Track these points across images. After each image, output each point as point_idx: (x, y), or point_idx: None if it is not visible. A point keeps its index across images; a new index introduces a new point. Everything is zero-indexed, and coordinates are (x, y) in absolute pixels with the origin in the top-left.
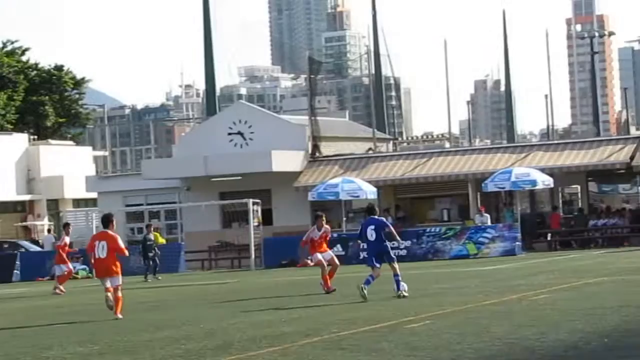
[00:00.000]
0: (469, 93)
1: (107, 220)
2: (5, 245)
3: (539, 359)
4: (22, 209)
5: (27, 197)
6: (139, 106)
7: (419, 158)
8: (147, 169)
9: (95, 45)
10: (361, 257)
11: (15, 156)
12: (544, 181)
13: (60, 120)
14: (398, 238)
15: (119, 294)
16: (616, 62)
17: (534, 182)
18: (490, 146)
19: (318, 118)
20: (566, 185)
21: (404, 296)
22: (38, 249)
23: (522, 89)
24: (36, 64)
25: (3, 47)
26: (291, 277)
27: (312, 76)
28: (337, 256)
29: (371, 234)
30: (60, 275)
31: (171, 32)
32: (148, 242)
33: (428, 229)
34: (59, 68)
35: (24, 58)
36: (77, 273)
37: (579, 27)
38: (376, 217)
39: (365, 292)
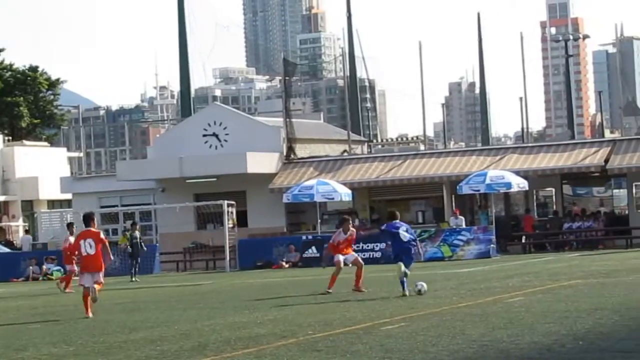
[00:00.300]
0: (444, 95)
1: (88, 219)
2: None
3: None
4: None
5: (1, 198)
6: (114, 107)
7: (393, 160)
8: (122, 170)
9: (70, 46)
10: (336, 259)
11: None
12: (519, 184)
13: (35, 121)
14: (420, 247)
15: (97, 293)
16: (591, 66)
17: (508, 185)
18: (465, 149)
19: (293, 120)
20: (541, 188)
21: (405, 294)
22: (7, 250)
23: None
24: (11, 65)
25: None
26: (266, 278)
27: (287, 78)
28: (311, 258)
29: (404, 235)
30: (66, 275)
31: (146, 34)
32: (134, 241)
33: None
34: (33, 69)
35: None
36: (51, 274)
37: (553, 30)
38: (399, 222)
39: (409, 286)
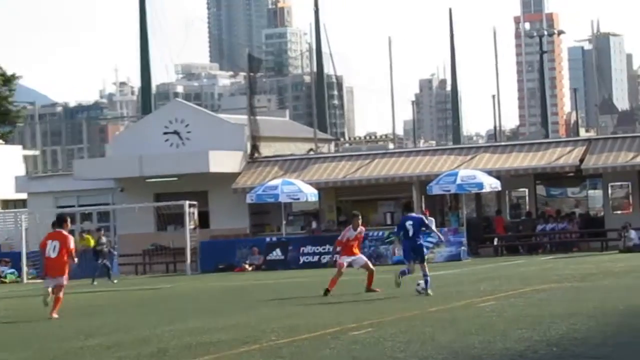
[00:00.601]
0: (414, 93)
1: (61, 220)
2: None
3: None
4: None
5: None
6: (71, 104)
7: (361, 159)
8: (80, 169)
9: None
10: (301, 262)
11: None
12: (491, 184)
13: None
14: (437, 232)
15: (61, 294)
16: (566, 62)
17: (480, 185)
18: (436, 147)
19: (257, 117)
20: (513, 189)
21: (428, 294)
22: None
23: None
24: None
25: None
26: (228, 282)
27: (252, 74)
28: (276, 260)
29: (409, 230)
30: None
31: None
32: (101, 247)
33: (370, 233)
34: None
35: None
36: (5, 277)
37: (527, 26)
38: (414, 214)
39: (400, 280)
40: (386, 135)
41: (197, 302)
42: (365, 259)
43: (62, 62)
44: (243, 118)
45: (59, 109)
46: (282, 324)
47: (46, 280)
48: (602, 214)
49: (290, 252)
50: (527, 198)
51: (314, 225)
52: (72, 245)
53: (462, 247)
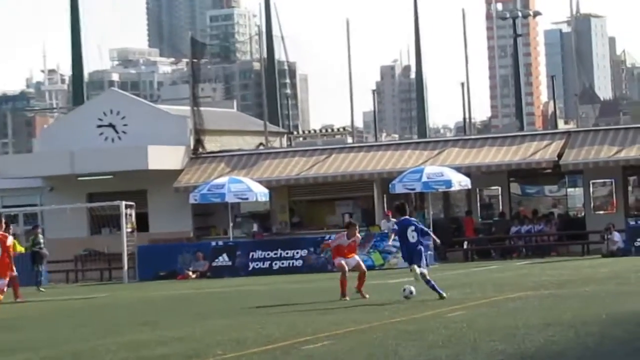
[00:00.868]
0: (375, 81)
1: None
2: None
3: None
4: None
5: None
6: None
7: (317, 155)
8: (4, 166)
9: None
10: (250, 268)
11: None
12: (460, 182)
13: None
14: (435, 238)
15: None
16: (542, 47)
17: (448, 183)
18: (399, 142)
19: (201, 108)
20: (485, 187)
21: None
22: None
23: (436, 76)
24: None
25: None
26: (170, 290)
27: (195, 60)
28: (222, 267)
29: (413, 236)
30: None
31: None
32: (37, 247)
33: (327, 236)
34: None
35: None
36: None
37: (500, 6)
38: (410, 217)
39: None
40: (344, 128)
41: (135, 313)
42: (358, 259)
43: None
44: (186, 109)
45: None
46: (229, 336)
47: None
48: (582, 214)
49: (238, 257)
50: (500, 197)
51: (255, 228)
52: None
53: (429, 252)
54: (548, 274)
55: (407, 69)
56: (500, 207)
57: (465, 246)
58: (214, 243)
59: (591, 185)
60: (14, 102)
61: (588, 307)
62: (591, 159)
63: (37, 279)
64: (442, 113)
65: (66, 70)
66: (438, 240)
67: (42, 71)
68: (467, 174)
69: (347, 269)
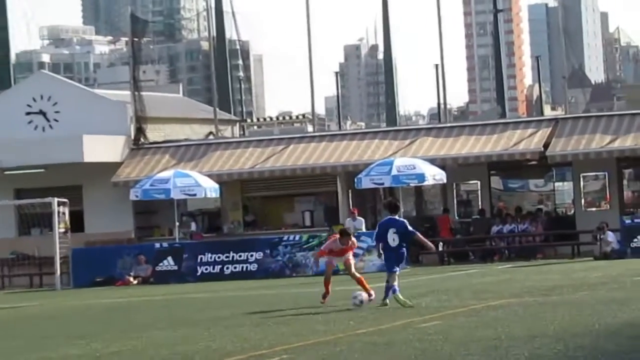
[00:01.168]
0: (338, 62)
1: None
2: None
3: None
4: None
5: None
6: None
7: (273, 145)
8: None
9: None
10: (199, 273)
11: None
12: (434, 175)
13: None
14: (430, 244)
15: None
16: (526, 23)
17: (421, 177)
18: (366, 130)
19: (143, 93)
20: (462, 181)
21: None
22: None
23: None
24: None
25: None
26: (109, 298)
27: (136, 39)
28: (168, 272)
29: (393, 239)
30: None
31: None
32: None
33: (285, 237)
34: None
35: None
36: None
37: None
38: (397, 217)
39: (402, 298)
40: (304, 115)
41: (69, 325)
42: (348, 257)
43: None
44: (125, 94)
45: None
46: (173, 350)
47: None
48: (572, 211)
49: (185, 261)
50: (479, 192)
51: (192, 227)
52: None
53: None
54: (533, 279)
55: (374, 48)
56: (480, 204)
57: (440, 248)
58: (157, 245)
59: (582, 179)
60: None
61: (578, 317)
62: (581, 150)
63: None
64: (414, 98)
65: None
66: (431, 246)
67: None
68: (442, 167)
69: (333, 267)
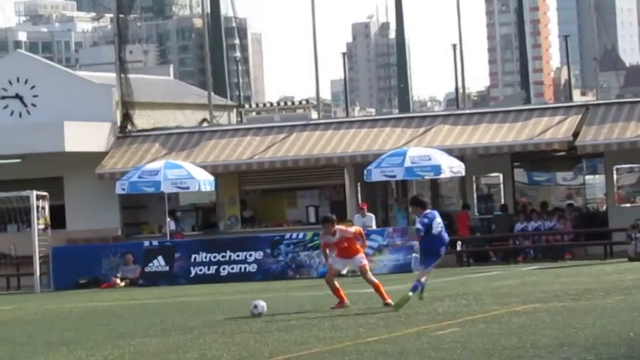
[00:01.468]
0: (346, 42)
1: None
2: None
3: None
4: None
5: None
6: None
7: (274, 134)
8: None
9: None
10: (192, 274)
11: None
12: (452, 167)
13: None
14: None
15: None
16: (553, 0)
17: (437, 169)
18: (376, 117)
19: (130, 75)
20: (483, 174)
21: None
22: None
23: (421, 36)
24: None
25: None
26: (92, 302)
27: (121, 16)
28: (158, 273)
29: (438, 228)
30: None
31: None
32: None
33: (287, 235)
34: None
35: None
36: None
37: None
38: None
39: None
40: (307, 101)
41: (50, 330)
42: (361, 258)
43: None
44: (110, 76)
45: None
46: (165, 359)
47: None
48: (604, 208)
49: (177, 261)
50: (501, 186)
51: (172, 226)
52: None
53: (413, 254)
54: (561, 282)
55: (385, 27)
56: (502, 199)
57: (458, 247)
58: (147, 243)
59: (615, 172)
60: None
61: (610, 324)
62: (615, 139)
63: None
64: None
65: None
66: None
67: None
68: (461, 158)
69: (335, 271)
